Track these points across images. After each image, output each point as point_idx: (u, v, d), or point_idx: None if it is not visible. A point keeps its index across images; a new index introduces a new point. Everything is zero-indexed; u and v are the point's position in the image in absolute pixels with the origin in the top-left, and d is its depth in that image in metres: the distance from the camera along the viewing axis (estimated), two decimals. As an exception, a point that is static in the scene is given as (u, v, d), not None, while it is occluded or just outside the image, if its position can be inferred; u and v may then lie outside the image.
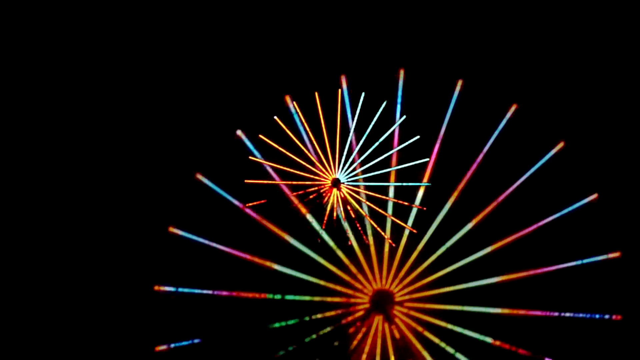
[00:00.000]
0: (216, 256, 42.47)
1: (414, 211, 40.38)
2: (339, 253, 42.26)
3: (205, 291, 42.17)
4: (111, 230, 43.21)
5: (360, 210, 32.13)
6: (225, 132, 42.85)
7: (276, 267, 42.28)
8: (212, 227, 42.52)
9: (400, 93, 41.11)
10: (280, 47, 44.41)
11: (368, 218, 32.13)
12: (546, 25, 43.80)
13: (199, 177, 42.60)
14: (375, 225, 32.77)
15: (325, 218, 33.29)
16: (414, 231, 35.44)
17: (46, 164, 43.69)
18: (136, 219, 43.28)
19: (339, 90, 32.81)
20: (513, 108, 42.27)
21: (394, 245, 39.75)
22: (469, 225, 41.73)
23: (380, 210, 33.07)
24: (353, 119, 32.28)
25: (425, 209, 31.97)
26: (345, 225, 34.57)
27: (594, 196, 41.42)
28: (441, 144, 41.89)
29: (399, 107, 41.68)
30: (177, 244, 42.50)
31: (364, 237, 34.83)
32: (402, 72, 41.92)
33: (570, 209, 41.45)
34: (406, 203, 34.00)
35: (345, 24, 44.21)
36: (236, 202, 42.43)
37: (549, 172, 41.97)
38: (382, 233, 33.63)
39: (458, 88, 42.38)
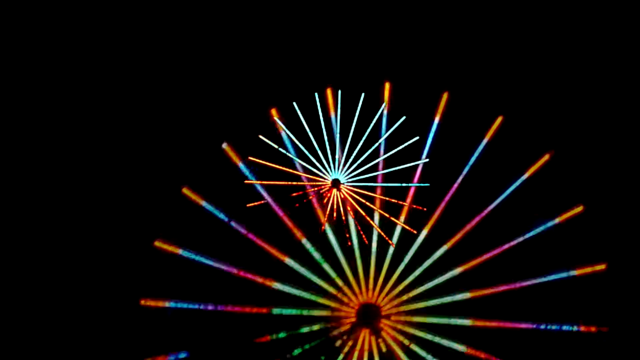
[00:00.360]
0: (202, 270, 42.19)
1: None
2: (326, 266, 42.15)
3: (191, 305, 41.82)
4: (97, 243, 42.87)
5: (360, 210, 32.09)
6: (212, 145, 42.76)
7: (262, 280, 42.09)
8: (198, 240, 42.26)
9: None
10: (267, 59, 44.56)
11: (367, 218, 32.09)
12: (533, 38, 44.28)
13: (185, 191, 42.37)
14: (375, 225, 32.74)
15: (325, 219, 33.24)
16: (414, 232, 35.51)
17: (31, 175, 43.33)
18: (121, 233, 42.96)
19: (338, 95, 32.89)
20: (499, 120, 42.55)
21: (394, 245, 39.71)
22: (456, 237, 41.85)
23: (380, 211, 33.06)
24: (352, 121, 32.38)
25: (425, 209, 31.96)
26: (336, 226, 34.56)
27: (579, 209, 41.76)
28: (428, 153, 42.10)
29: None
30: (162, 257, 42.17)
31: (364, 237, 34.75)
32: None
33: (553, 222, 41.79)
34: (406, 203, 34.03)
35: (334, 36, 44.44)
36: (222, 216, 42.27)
37: (536, 184, 42.24)
38: (382, 234, 33.63)
39: (444, 100, 42.65)
